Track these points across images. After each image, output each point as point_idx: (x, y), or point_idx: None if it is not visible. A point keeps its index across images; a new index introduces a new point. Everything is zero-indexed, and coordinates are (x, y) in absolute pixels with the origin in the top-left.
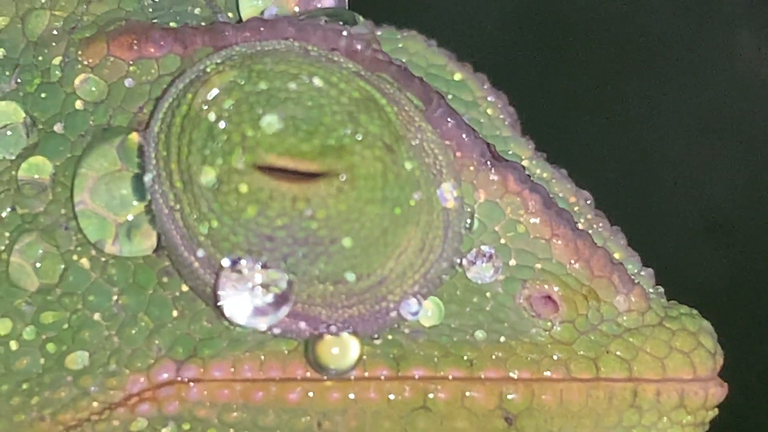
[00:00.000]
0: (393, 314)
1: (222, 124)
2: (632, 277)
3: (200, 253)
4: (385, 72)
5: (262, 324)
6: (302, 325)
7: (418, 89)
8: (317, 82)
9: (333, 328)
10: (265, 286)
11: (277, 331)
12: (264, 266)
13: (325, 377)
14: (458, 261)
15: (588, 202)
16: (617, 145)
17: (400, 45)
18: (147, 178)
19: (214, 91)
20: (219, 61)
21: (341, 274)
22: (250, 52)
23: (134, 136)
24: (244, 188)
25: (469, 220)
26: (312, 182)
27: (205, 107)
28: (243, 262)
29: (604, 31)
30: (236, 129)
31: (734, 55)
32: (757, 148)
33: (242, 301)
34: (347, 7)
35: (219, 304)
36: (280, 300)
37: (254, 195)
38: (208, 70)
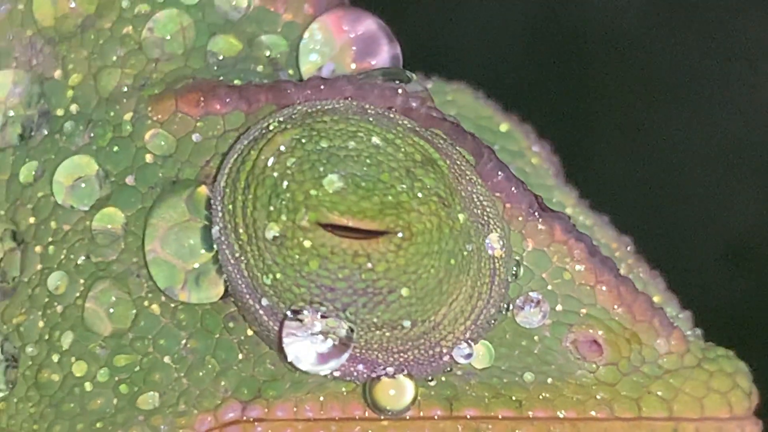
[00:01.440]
0: (446, 358)
1: (285, 183)
2: (672, 320)
3: (264, 302)
4: (438, 128)
5: (325, 369)
6: (360, 367)
7: (470, 144)
8: (375, 139)
9: (389, 371)
10: (325, 333)
11: (336, 374)
12: (324, 315)
13: (382, 417)
14: (506, 306)
15: (628, 248)
16: (642, 174)
17: (449, 98)
18: (214, 230)
19: (277, 150)
20: (281, 119)
21: (398, 321)
22: (310, 110)
23: (202, 189)
24: (307, 244)
25: (515, 268)
26: (372, 239)
27: (269, 165)
28: (305, 312)
29: (629, 65)
30: (299, 188)
31: (756, 86)
32: None
33: (305, 347)
34: (401, 66)
35: (283, 350)
36: (341, 346)
37: (317, 250)
38: (271, 128)
